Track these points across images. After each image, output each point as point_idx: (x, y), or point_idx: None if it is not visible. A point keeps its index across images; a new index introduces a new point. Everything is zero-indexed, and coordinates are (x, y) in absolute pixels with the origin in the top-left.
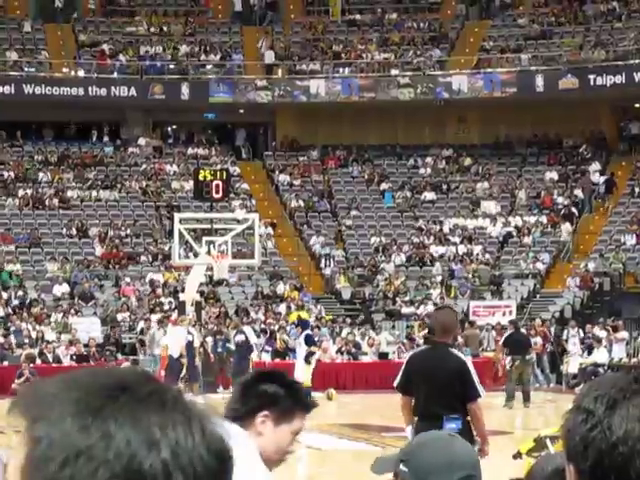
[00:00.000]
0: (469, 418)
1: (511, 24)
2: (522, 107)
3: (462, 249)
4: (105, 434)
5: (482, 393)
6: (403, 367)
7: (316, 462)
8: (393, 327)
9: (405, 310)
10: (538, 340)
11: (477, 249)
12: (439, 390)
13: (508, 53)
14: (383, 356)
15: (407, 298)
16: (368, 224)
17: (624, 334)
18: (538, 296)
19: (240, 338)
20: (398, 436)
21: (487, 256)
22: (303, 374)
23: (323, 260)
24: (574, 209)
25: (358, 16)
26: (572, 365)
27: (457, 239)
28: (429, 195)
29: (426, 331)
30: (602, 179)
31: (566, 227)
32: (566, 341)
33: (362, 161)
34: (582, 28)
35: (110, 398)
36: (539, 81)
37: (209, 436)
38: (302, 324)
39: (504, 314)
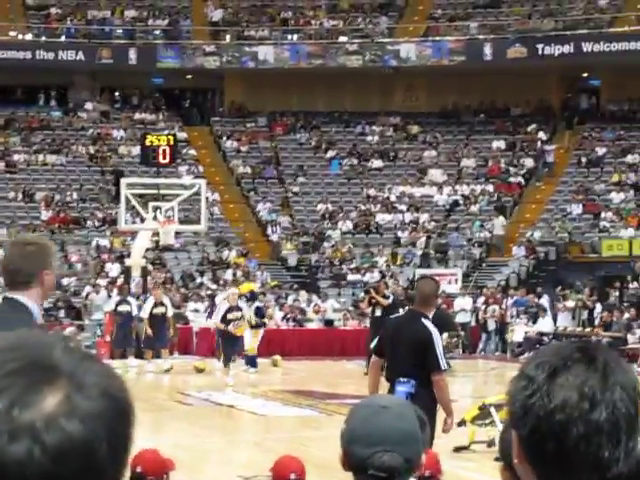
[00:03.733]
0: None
1: None
2: (470, 75)
3: (409, 217)
4: None
5: (444, 365)
6: (382, 330)
7: (261, 429)
8: (339, 294)
9: (351, 277)
10: (496, 308)
11: (424, 217)
12: (399, 356)
13: (457, 21)
14: (329, 323)
15: (353, 265)
16: (315, 191)
17: (572, 303)
18: (484, 265)
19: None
20: (343, 403)
21: (433, 224)
22: (250, 341)
23: (269, 226)
24: (521, 178)
25: None
26: (517, 334)
27: (404, 207)
28: (376, 163)
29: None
30: (547, 153)
31: (500, 221)
32: (505, 310)
33: (310, 128)
34: None
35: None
36: (487, 50)
37: None
38: (252, 296)
39: (450, 282)
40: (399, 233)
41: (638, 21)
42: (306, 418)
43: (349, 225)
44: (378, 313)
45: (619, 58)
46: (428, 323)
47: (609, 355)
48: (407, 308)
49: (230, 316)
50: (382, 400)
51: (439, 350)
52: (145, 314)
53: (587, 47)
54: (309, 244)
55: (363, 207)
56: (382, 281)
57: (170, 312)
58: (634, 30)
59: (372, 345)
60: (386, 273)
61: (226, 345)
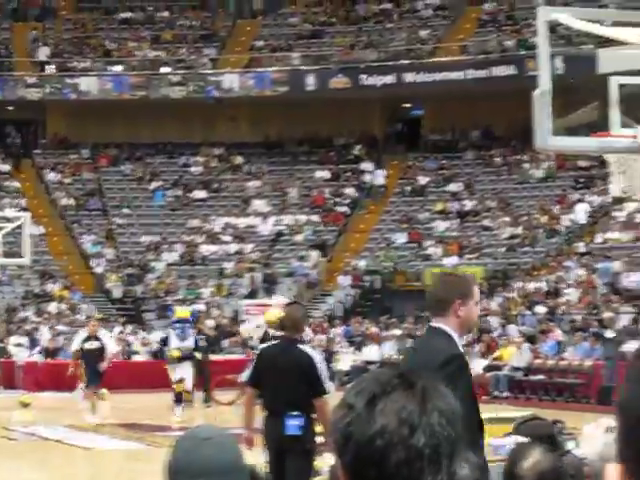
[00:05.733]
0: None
1: (283, 23)
2: (293, 106)
3: (233, 248)
4: None
5: (329, 389)
6: (253, 362)
7: (88, 462)
8: (165, 326)
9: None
10: (323, 337)
11: (248, 248)
12: (283, 386)
13: (279, 52)
14: (155, 355)
15: (178, 297)
16: (139, 222)
17: (397, 331)
18: (310, 294)
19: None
20: (170, 435)
21: (258, 255)
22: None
23: (94, 259)
24: (345, 208)
25: (129, 14)
26: (343, 362)
27: (228, 238)
28: (200, 193)
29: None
30: (374, 178)
31: (315, 255)
32: (332, 339)
33: (133, 159)
34: (354, 28)
35: None
36: (310, 80)
37: None
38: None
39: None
40: (224, 264)
41: (459, 51)
42: (134, 451)
43: (174, 256)
44: (201, 344)
45: (441, 88)
46: (306, 347)
47: (428, 381)
48: (280, 336)
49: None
50: (204, 431)
51: (323, 373)
52: (75, 347)
53: (409, 77)
54: (134, 276)
55: (187, 238)
56: (202, 313)
57: (110, 347)
58: (455, 60)
59: (244, 377)
60: (212, 304)
61: None
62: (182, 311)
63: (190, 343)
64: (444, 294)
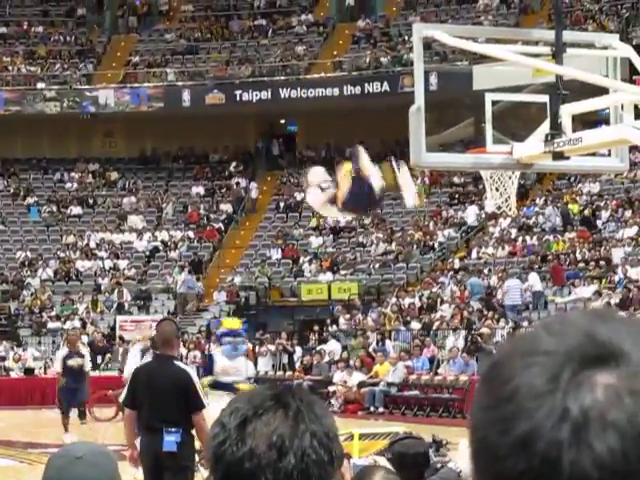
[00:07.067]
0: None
1: (158, 39)
2: (169, 122)
3: (109, 264)
4: None
5: (206, 404)
6: (129, 381)
7: None
8: (39, 343)
9: (51, 325)
10: (197, 354)
11: (123, 264)
12: (160, 403)
13: (155, 68)
14: (29, 372)
15: (53, 313)
16: (14, 239)
17: (271, 347)
18: (186, 310)
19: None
20: (44, 452)
21: (133, 271)
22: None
23: None
24: (220, 224)
25: (4, 29)
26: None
27: (104, 254)
28: (75, 209)
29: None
30: (249, 193)
31: (182, 277)
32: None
33: (8, 175)
34: (228, 44)
35: None
36: (185, 96)
37: None
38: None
39: (151, 328)
40: (99, 280)
41: (334, 68)
42: (7, 468)
43: (49, 272)
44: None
45: (315, 104)
46: (181, 364)
47: (304, 401)
48: (154, 354)
49: None
50: (78, 449)
51: (199, 388)
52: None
53: (284, 93)
54: (8, 292)
55: (63, 254)
56: (78, 329)
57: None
58: (330, 77)
59: (121, 398)
60: (87, 320)
61: None
62: (232, 321)
63: (240, 364)
64: None
